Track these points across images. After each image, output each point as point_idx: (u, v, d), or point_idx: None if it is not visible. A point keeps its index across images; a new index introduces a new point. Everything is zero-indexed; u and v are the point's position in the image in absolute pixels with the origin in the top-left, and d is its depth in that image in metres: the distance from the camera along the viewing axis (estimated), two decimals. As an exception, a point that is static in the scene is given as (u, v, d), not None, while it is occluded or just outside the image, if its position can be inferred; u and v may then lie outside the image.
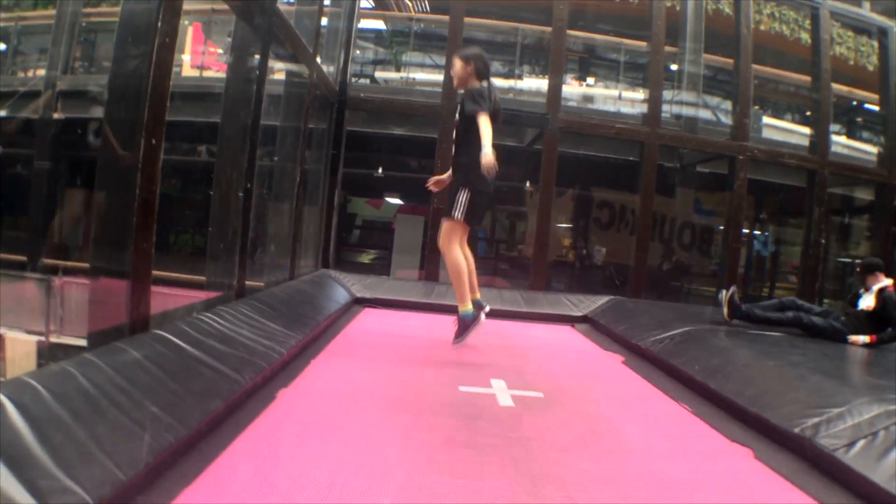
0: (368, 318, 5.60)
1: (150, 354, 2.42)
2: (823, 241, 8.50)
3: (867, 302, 5.24)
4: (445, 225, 4.31)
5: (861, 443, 2.41)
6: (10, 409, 1.64)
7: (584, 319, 6.36)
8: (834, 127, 10.03)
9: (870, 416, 2.56)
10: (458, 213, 4.22)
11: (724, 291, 5.48)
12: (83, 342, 2.99)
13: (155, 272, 2.93)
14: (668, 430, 2.97)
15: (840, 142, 10.79)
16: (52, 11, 9.34)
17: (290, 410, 2.76)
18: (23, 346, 6.82)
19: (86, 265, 2.88)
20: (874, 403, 2.66)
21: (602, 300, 6.70)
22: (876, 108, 10.32)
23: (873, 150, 10.25)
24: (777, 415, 2.87)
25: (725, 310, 5.34)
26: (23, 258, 8.12)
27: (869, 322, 5.14)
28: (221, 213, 4.28)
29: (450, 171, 4.53)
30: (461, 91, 4.39)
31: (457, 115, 4.32)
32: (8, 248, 8.44)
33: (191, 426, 2.15)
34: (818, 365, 3.74)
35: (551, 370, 4.14)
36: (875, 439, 2.40)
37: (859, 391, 2.93)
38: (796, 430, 2.66)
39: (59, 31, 8.83)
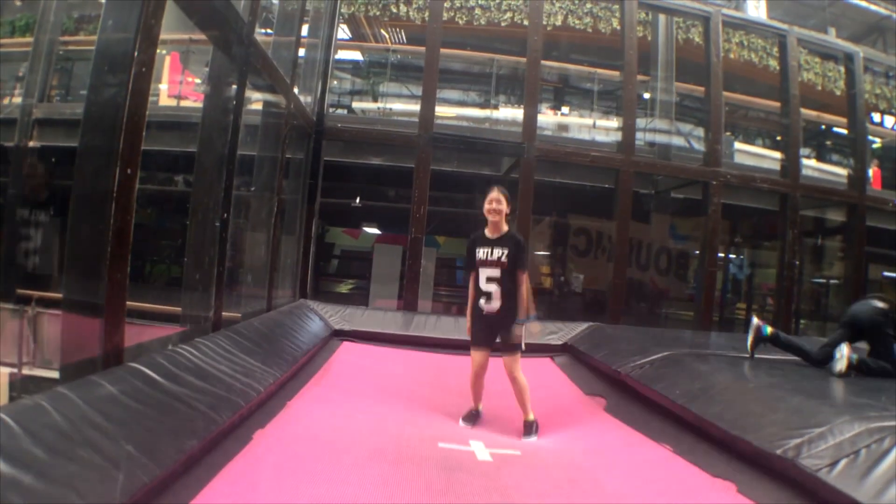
0: (347, 356, 5.51)
1: (124, 389, 2.36)
2: (798, 262, 8.63)
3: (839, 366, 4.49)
4: (516, 357, 4.02)
5: (844, 462, 2.42)
6: (-20, 446, 1.59)
7: (563, 348, 6.34)
8: (804, 151, 10.30)
9: (851, 435, 2.57)
10: (523, 344, 4.07)
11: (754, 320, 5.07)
12: (56, 374, 2.92)
13: (129, 304, 2.87)
14: (649, 475, 2.95)
15: (811, 165, 11.07)
16: (29, 39, 9.27)
17: (268, 453, 2.70)
18: (-5, 378, 6.65)
19: (59, 296, 2.81)
20: (855, 422, 2.67)
21: (581, 327, 6.71)
22: (844, 131, 10.62)
23: (843, 172, 10.50)
24: (758, 437, 2.87)
25: (750, 341, 4.98)
26: (-5, 288, 7.95)
27: None
28: (198, 243, 4.23)
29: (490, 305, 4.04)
30: (497, 234, 4.01)
31: (503, 255, 3.94)
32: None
33: (166, 465, 2.09)
34: (798, 386, 3.75)
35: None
36: (857, 458, 2.41)
37: (840, 410, 2.95)
38: (778, 452, 2.66)
39: (37, 58, 8.76)
